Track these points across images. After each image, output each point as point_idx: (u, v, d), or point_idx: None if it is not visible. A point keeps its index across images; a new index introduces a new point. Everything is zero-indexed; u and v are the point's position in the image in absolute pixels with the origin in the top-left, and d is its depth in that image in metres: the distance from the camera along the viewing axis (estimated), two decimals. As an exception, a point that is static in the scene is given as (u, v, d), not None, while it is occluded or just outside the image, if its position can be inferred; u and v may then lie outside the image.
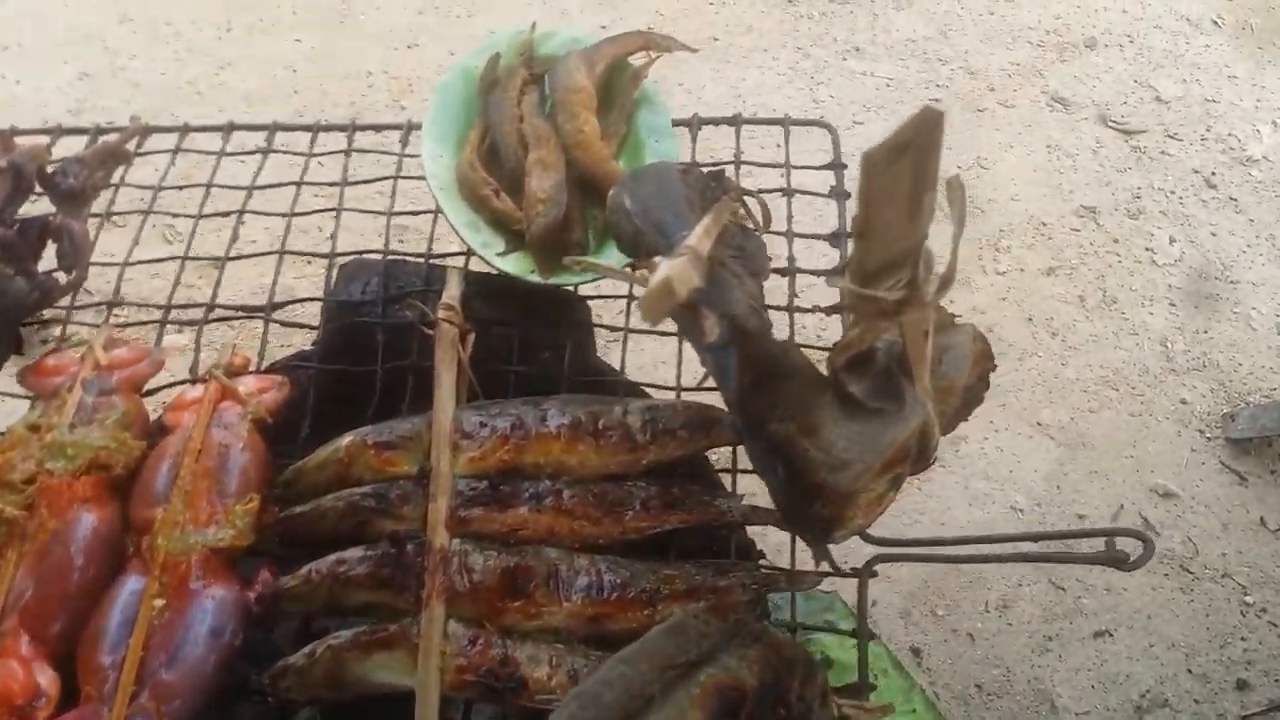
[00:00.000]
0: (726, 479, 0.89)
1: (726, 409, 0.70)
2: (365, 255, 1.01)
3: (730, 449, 0.87)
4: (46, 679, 0.75)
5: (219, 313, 0.97)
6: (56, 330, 0.97)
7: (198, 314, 0.97)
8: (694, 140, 1.07)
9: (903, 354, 0.54)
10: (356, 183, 1.06)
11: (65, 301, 0.97)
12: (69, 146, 1.06)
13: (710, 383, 0.77)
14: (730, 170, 1.02)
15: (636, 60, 1.06)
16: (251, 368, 0.92)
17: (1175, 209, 2.41)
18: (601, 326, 1.00)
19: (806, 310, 0.99)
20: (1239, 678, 1.82)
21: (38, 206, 0.99)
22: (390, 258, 0.99)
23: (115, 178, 1.04)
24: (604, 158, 0.95)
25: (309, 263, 1.00)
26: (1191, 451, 2.07)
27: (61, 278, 0.96)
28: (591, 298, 1.00)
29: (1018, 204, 2.42)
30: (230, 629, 0.77)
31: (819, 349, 0.78)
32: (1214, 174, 2.47)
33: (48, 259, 0.97)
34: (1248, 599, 1.89)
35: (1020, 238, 2.36)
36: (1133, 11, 2.81)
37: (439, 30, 2.68)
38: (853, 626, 1.87)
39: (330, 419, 0.89)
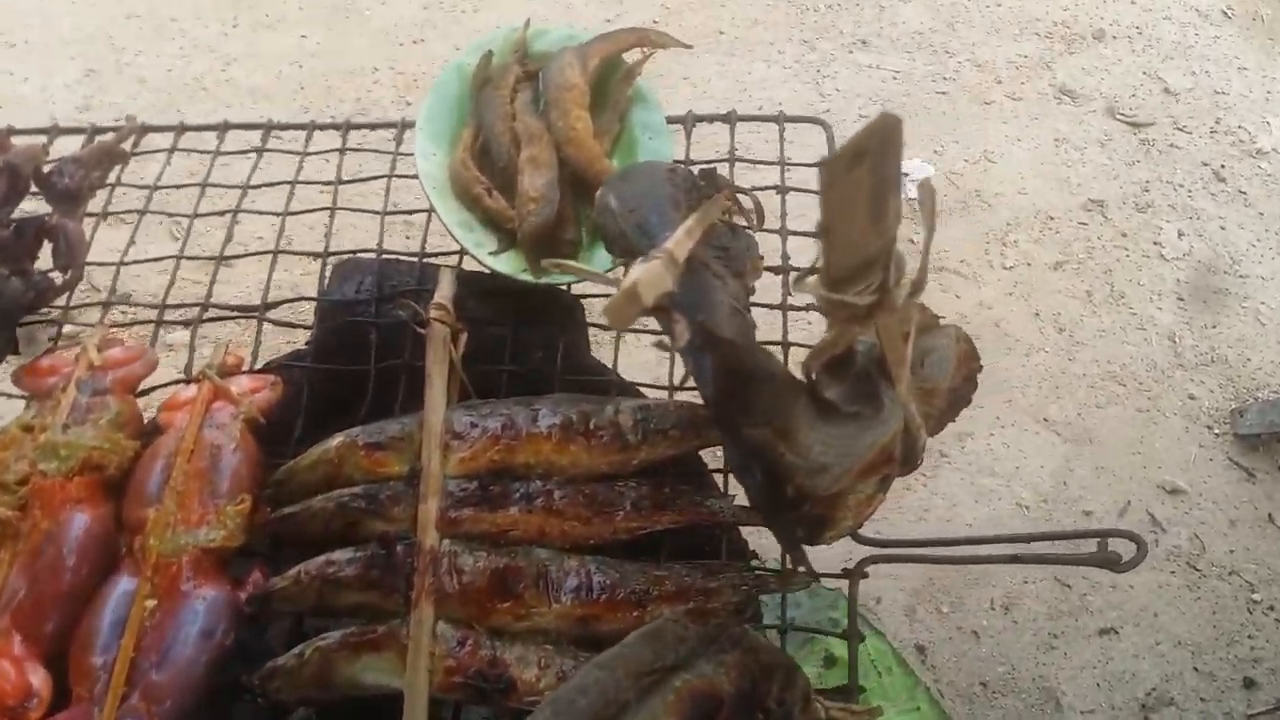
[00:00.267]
0: (719, 479, 0.88)
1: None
2: (359, 254, 1.01)
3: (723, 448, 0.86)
4: (39, 679, 0.75)
5: (213, 312, 0.97)
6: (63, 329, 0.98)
7: (193, 313, 0.97)
8: (688, 137, 1.07)
9: (881, 356, 0.54)
10: (351, 181, 1.06)
11: (62, 301, 0.97)
12: (67, 146, 1.06)
13: (702, 382, 0.77)
14: (725, 167, 1.01)
15: (631, 57, 1.05)
16: (245, 367, 0.92)
17: (1184, 202, 2.39)
18: (595, 325, 0.99)
19: (800, 309, 0.98)
20: (1246, 676, 1.81)
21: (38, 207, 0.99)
22: (384, 257, 0.99)
23: (112, 177, 1.04)
24: (597, 155, 0.94)
25: (314, 260, 1.00)
26: (1199, 447, 2.05)
27: (58, 277, 0.96)
28: (585, 297, 1.00)
29: (1025, 197, 2.40)
30: (221, 629, 0.77)
31: (811, 348, 0.78)
32: (1223, 167, 2.45)
33: (45, 259, 0.97)
34: (1255, 596, 1.88)
35: (1027, 232, 2.35)
36: (1142, 3, 2.79)
37: (444, 26, 2.68)
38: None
39: (324, 418, 0.89)
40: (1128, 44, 2.70)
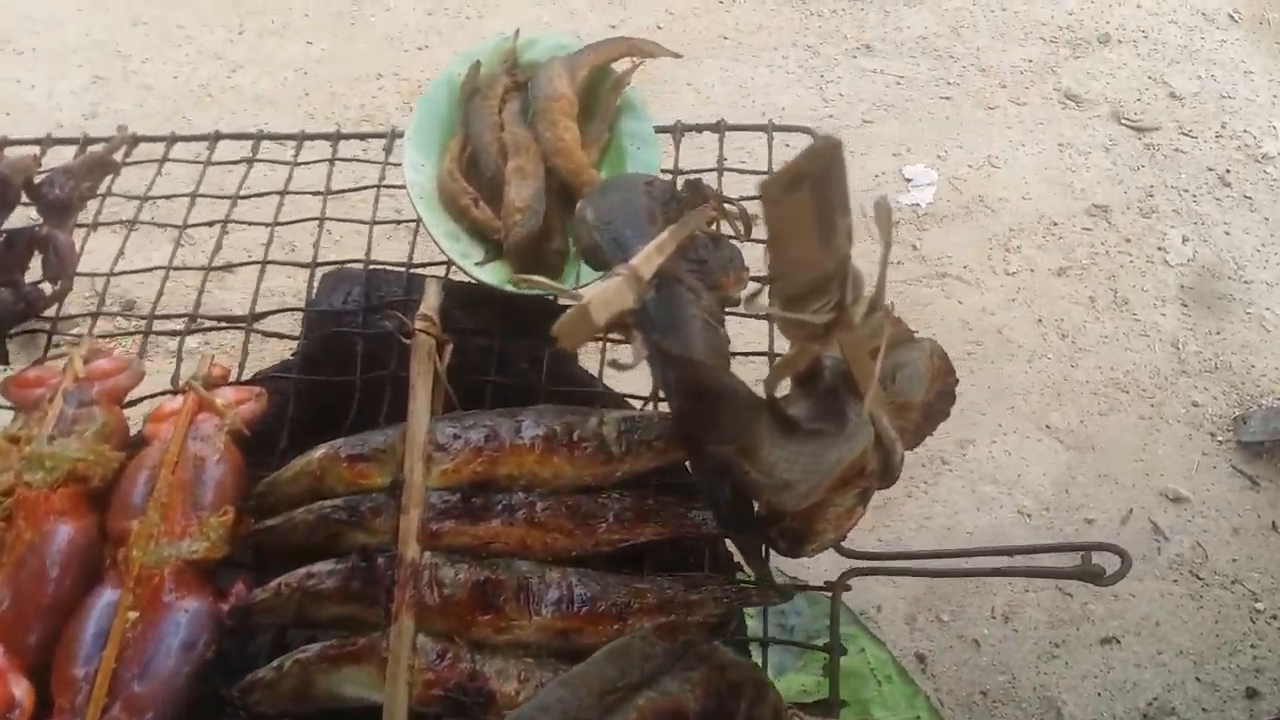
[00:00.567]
0: (704, 491, 0.88)
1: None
2: (347, 264, 1.01)
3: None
4: (21, 690, 0.75)
5: (201, 323, 0.97)
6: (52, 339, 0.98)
7: (180, 324, 0.98)
8: (677, 147, 1.07)
9: (848, 372, 0.54)
10: (340, 191, 1.07)
11: (52, 311, 0.98)
12: (65, 155, 1.07)
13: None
14: (713, 177, 1.01)
15: (620, 67, 1.05)
16: (232, 378, 0.93)
17: (1188, 207, 2.38)
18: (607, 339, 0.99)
19: (787, 319, 0.98)
20: (1248, 686, 1.79)
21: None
22: (371, 267, 0.99)
23: (104, 187, 1.05)
24: (584, 166, 0.94)
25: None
26: (1202, 455, 2.04)
27: (48, 288, 0.97)
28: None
29: (1029, 203, 2.39)
30: (203, 641, 0.77)
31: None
32: (1228, 172, 2.44)
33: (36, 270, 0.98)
34: (1258, 606, 1.87)
35: (1031, 237, 2.34)
36: (1147, 6, 2.78)
37: (449, 33, 2.68)
38: (855, 632, 1.86)
39: (310, 429, 0.89)
40: (1133, 48, 2.68)
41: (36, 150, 1.06)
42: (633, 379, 0.98)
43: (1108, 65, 2.65)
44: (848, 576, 0.82)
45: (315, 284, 1.00)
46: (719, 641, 0.63)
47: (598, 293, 0.45)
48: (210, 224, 1.04)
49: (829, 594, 1.74)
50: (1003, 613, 1.87)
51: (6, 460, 0.83)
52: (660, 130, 1.04)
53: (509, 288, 0.91)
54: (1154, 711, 1.76)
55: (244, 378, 0.95)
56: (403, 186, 0.97)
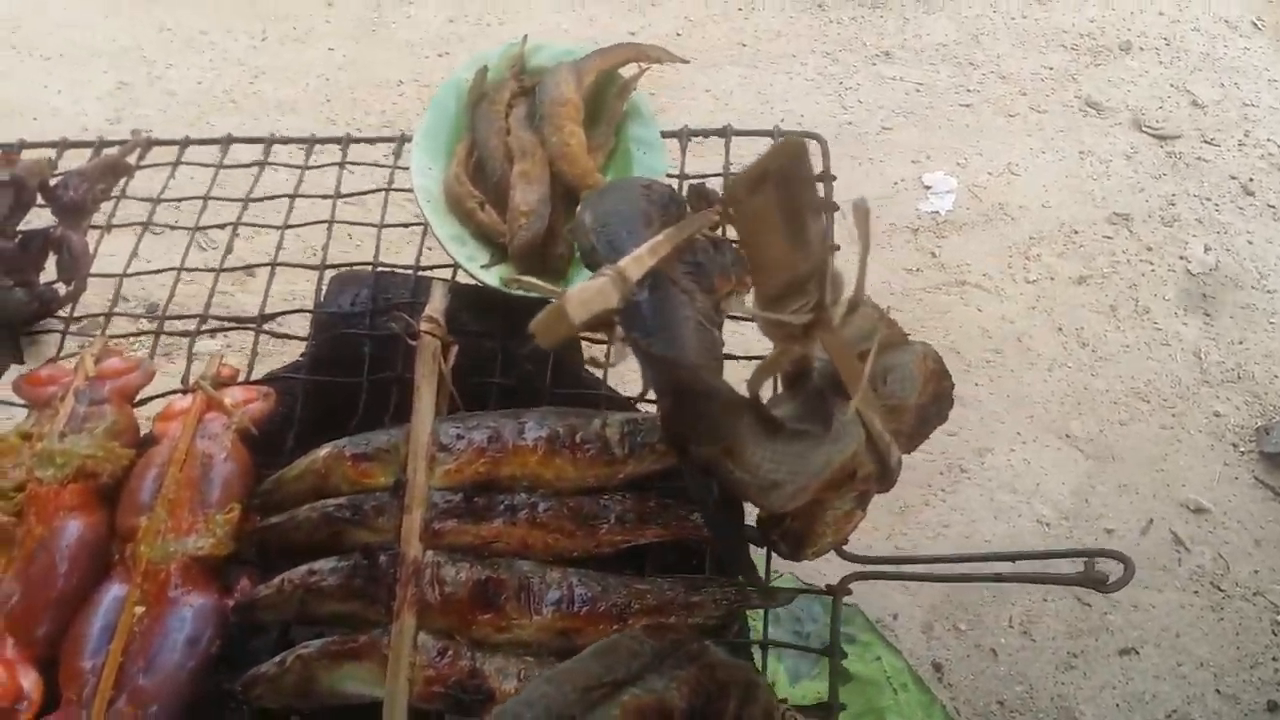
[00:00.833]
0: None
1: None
2: (355, 267, 1.02)
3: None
4: (30, 682, 0.76)
5: (211, 324, 0.99)
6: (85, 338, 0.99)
7: (191, 325, 0.99)
8: (683, 152, 1.07)
9: (835, 374, 0.54)
10: (349, 195, 1.08)
11: (65, 312, 0.99)
12: (79, 158, 1.08)
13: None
14: (718, 183, 1.01)
15: (627, 72, 1.05)
16: (241, 378, 0.94)
17: (1211, 216, 2.36)
18: (586, 339, 1.00)
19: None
20: (1270, 699, 1.77)
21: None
22: (380, 269, 1.00)
23: (117, 190, 1.06)
24: (589, 170, 0.95)
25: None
26: (1224, 466, 2.02)
27: (62, 289, 0.98)
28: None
29: (1049, 211, 2.38)
30: (208, 637, 0.78)
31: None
32: (1251, 180, 2.42)
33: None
34: (1280, 618, 1.85)
35: (1051, 246, 2.33)
36: (1170, 14, 2.76)
37: (470, 39, 2.70)
38: (871, 640, 1.85)
39: (317, 430, 0.90)
40: (1155, 56, 2.67)
41: (52, 153, 1.08)
42: (639, 383, 0.98)
43: (1129, 73, 2.64)
44: (848, 580, 0.81)
45: (324, 286, 1.01)
46: (711, 641, 0.63)
47: (577, 291, 0.45)
48: (222, 226, 1.06)
49: (846, 603, 1.73)
50: (1021, 622, 1.86)
51: (18, 456, 0.85)
52: (667, 135, 1.05)
53: (512, 291, 0.92)
54: (1173, 723, 1.75)
55: (257, 378, 0.96)
56: (411, 190, 0.98)
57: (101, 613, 0.78)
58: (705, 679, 0.56)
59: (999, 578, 0.78)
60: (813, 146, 1.07)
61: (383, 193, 1.08)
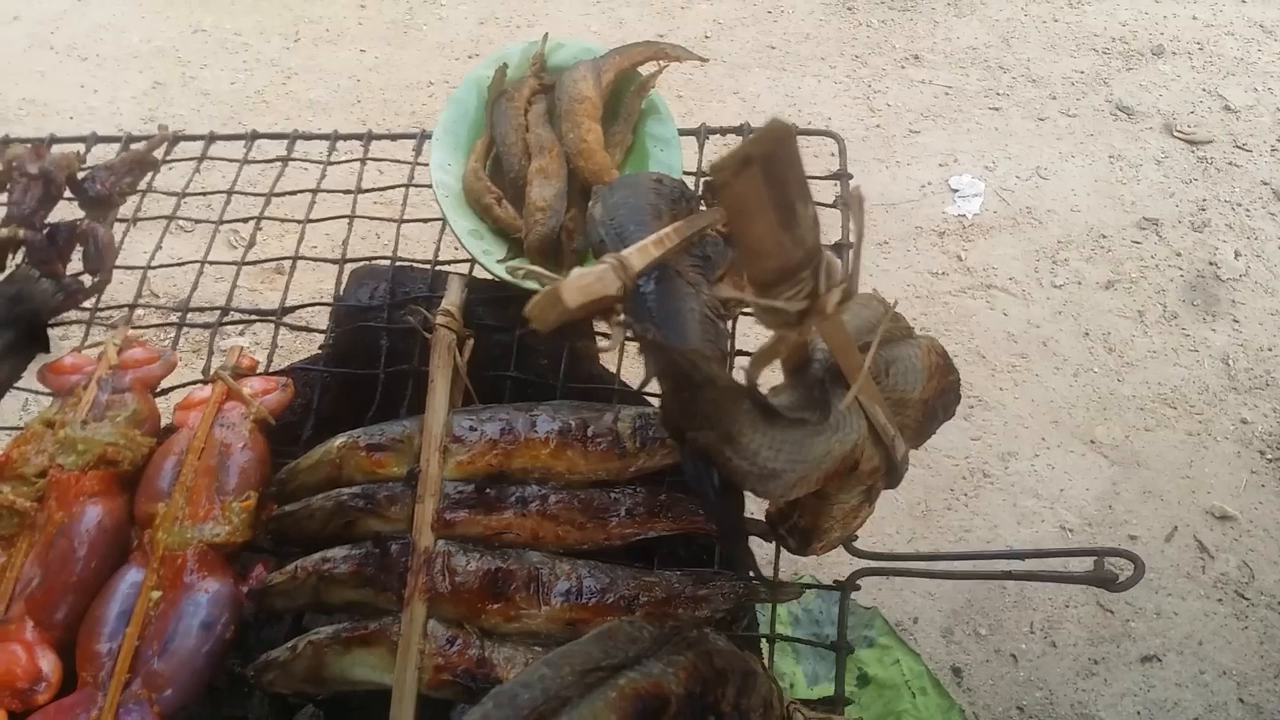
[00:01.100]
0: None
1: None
2: (375, 261, 1.03)
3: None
4: (48, 664, 0.78)
5: (233, 316, 1.00)
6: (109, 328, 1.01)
7: (213, 317, 1.00)
8: (700, 150, 1.08)
9: (835, 365, 0.54)
10: (370, 190, 1.09)
11: (90, 303, 1.01)
12: (107, 154, 1.10)
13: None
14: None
15: (646, 70, 1.06)
16: (260, 369, 0.95)
17: (1241, 222, 2.34)
18: (601, 334, 1.00)
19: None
20: (1294, 709, 1.75)
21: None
22: (398, 264, 1.01)
23: (143, 184, 1.08)
24: (606, 167, 0.96)
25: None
26: (1251, 473, 2.00)
27: (88, 280, 1.00)
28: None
29: (1077, 215, 2.37)
30: (222, 622, 0.79)
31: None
32: (1284, 186, 2.40)
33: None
34: (1305, 627, 1.83)
35: (1079, 250, 2.31)
36: (1203, 18, 2.74)
37: (500, 41, 2.72)
38: (891, 644, 1.85)
39: (334, 421, 0.91)
40: (1188, 60, 2.65)
41: (81, 148, 1.10)
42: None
43: (1161, 77, 2.62)
44: (857, 575, 0.82)
45: (344, 280, 1.02)
46: (720, 634, 0.64)
47: (574, 276, 0.46)
48: (245, 220, 1.07)
49: (865, 606, 1.72)
50: (1042, 628, 1.84)
51: (41, 443, 0.86)
52: (686, 133, 1.05)
53: (526, 284, 0.93)
54: (1195, 732, 1.73)
55: (276, 369, 0.98)
56: (430, 186, 0.99)
57: (119, 597, 0.80)
58: (703, 665, 0.56)
59: (1008, 575, 0.78)
60: (830, 145, 1.08)
61: (403, 188, 1.10)
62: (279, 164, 1.12)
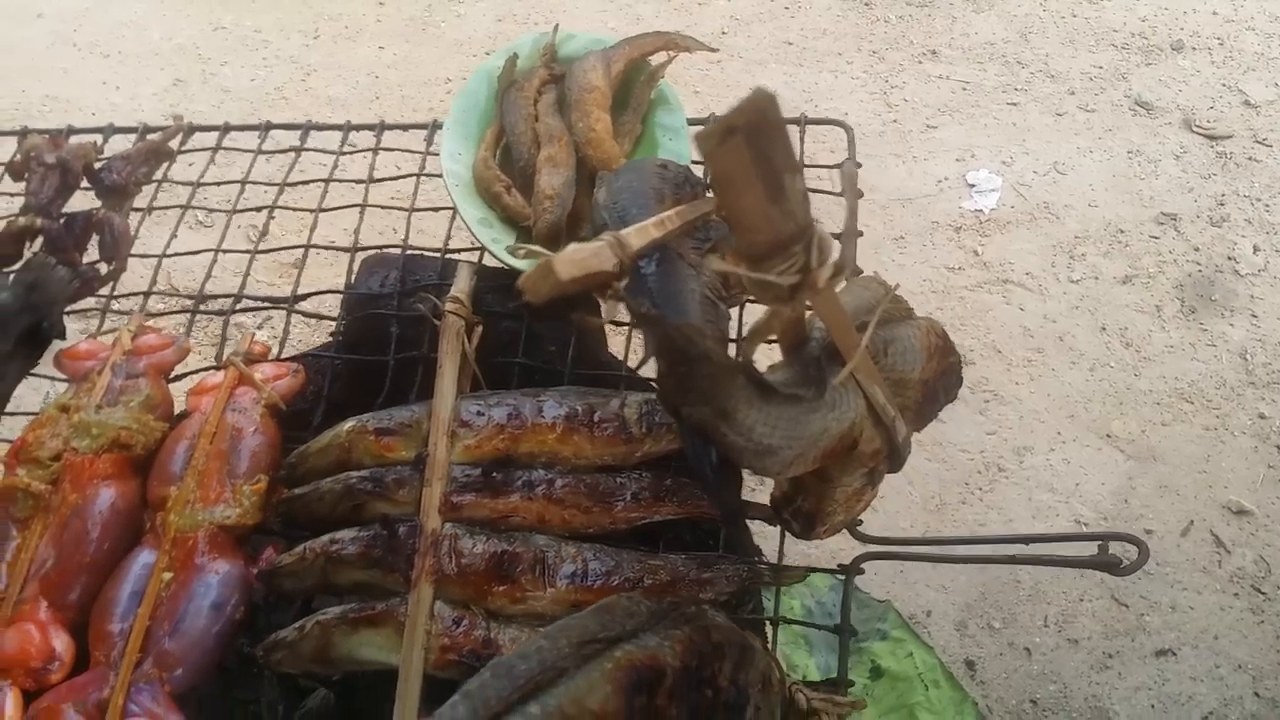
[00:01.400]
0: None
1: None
2: (385, 249, 1.04)
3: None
4: (62, 644, 0.79)
5: (246, 303, 1.01)
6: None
7: (226, 304, 1.02)
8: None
9: (831, 343, 0.55)
10: (382, 180, 1.10)
11: (106, 290, 1.02)
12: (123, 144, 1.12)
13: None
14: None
15: (656, 61, 1.07)
16: (272, 356, 0.96)
17: (1261, 217, 2.32)
18: (610, 322, 1.01)
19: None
20: (1311, 704, 1.74)
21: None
22: (409, 252, 1.02)
23: (159, 174, 1.10)
24: (614, 156, 0.96)
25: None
26: (1268, 468, 1.99)
27: (104, 268, 1.02)
28: (603, 293, 1.02)
29: (1095, 210, 2.36)
30: (233, 603, 0.80)
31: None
32: (1304, 181, 2.38)
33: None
34: (1322, 622, 1.81)
35: (1096, 245, 2.31)
36: (1224, 13, 2.72)
37: (518, 38, 2.72)
38: (904, 636, 1.85)
39: (345, 407, 0.92)
40: (1207, 55, 2.63)
41: (98, 138, 1.11)
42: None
43: (1180, 72, 2.60)
44: (861, 560, 0.82)
45: (355, 268, 1.04)
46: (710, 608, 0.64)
47: (570, 250, 0.47)
48: (258, 209, 1.08)
49: (879, 599, 1.72)
50: (1056, 621, 1.84)
51: (56, 427, 0.88)
52: (696, 123, 1.06)
53: (509, 258, 0.93)
54: (1209, 726, 1.72)
55: (288, 356, 0.99)
56: (441, 175, 1.00)
57: (131, 578, 0.81)
58: (699, 639, 0.57)
59: (1012, 559, 0.78)
60: (839, 134, 1.09)
61: (414, 178, 1.10)
62: (293, 155, 1.13)
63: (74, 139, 1.08)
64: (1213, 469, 1.99)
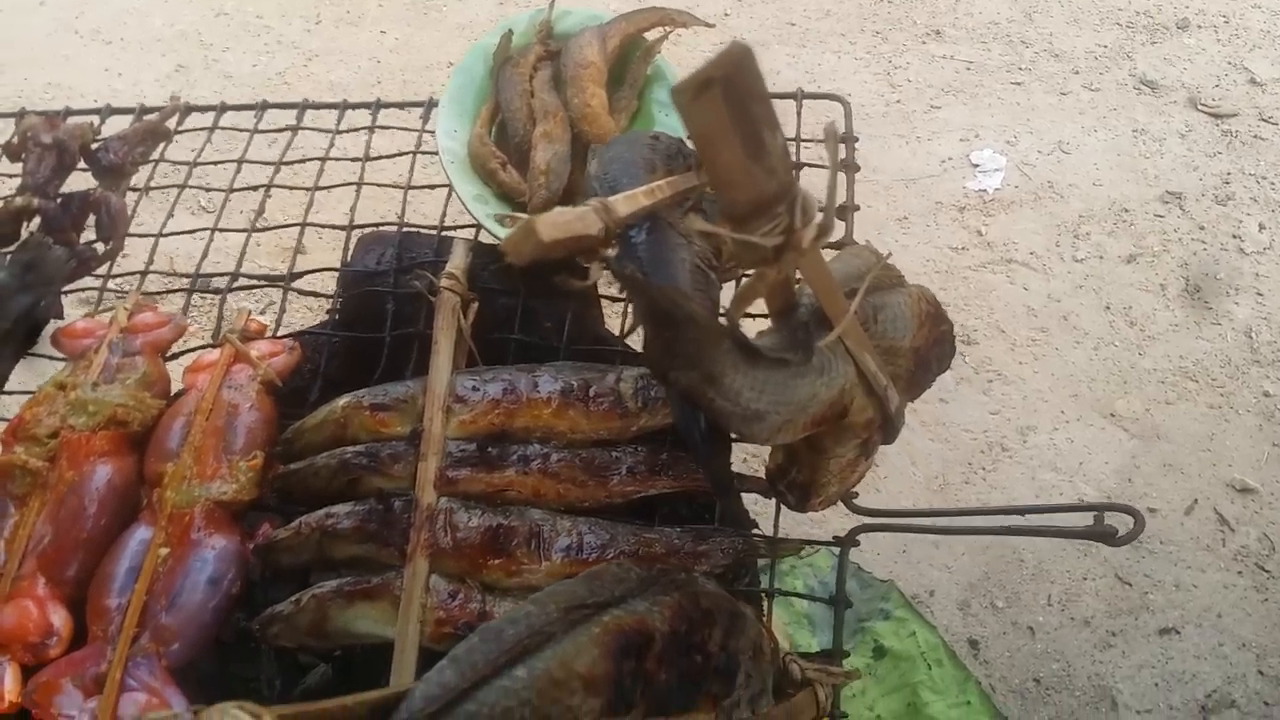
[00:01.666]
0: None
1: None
2: (382, 227, 1.04)
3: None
4: (59, 619, 0.79)
5: (242, 281, 1.01)
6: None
7: (223, 283, 1.02)
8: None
9: (819, 308, 0.55)
10: (378, 158, 1.10)
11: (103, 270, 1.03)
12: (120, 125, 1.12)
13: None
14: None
15: (653, 35, 1.06)
16: (269, 333, 0.96)
17: (1266, 195, 2.31)
18: (606, 298, 1.01)
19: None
20: (1315, 682, 1.74)
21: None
22: (405, 229, 1.02)
23: (155, 154, 1.10)
24: (610, 131, 0.96)
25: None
26: (1273, 446, 1.98)
27: (101, 248, 1.02)
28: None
29: (1099, 189, 2.35)
30: (229, 578, 0.80)
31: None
32: (1310, 158, 2.37)
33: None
34: (1326, 600, 1.81)
35: (1100, 224, 2.30)
36: (1230, -9, 2.70)
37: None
38: (906, 616, 1.85)
39: (341, 384, 0.92)
40: (1213, 33, 2.61)
41: (95, 119, 1.11)
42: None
43: (1186, 51, 2.59)
44: (856, 531, 0.82)
45: (352, 245, 1.04)
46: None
47: (554, 213, 0.47)
48: (255, 188, 1.08)
49: (883, 579, 1.72)
50: (1059, 600, 1.84)
51: (53, 405, 0.88)
52: (692, 98, 1.05)
53: (495, 227, 0.93)
54: (1213, 704, 1.72)
55: (284, 333, 0.99)
56: (436, 153, 1.00)
57: (128, 554, 0.81)
58: (689, 605, 0.57)
59: (1007, 530, 0.78)
60: (837, 108, 1.08)
61: (410, 156, 1.10)
62: (290, 135, 1.13)
63: (71, 119, 1.09)
64: (1217, 447, 1.98)
